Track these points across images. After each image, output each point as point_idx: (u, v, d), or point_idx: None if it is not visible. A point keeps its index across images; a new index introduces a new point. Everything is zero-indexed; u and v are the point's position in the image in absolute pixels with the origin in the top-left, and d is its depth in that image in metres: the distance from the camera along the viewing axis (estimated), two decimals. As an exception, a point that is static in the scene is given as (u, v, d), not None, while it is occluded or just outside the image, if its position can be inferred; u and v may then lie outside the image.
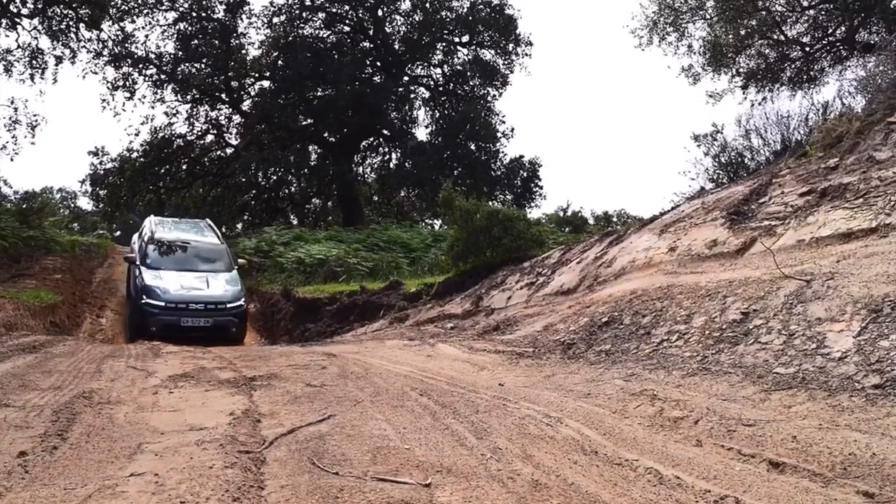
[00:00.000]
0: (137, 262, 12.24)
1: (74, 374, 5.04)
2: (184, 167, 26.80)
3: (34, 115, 19.06)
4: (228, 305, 11.56)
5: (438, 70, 27.21)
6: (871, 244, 4.90)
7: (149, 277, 11.74)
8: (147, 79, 24.36)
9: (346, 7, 25.76)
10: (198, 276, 11.99)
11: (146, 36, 26.01)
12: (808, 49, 16.97)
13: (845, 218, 5.49)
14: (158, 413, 3.80)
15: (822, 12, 16.46)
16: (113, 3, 21.05)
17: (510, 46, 25.59)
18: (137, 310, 11.27)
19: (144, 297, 11.16)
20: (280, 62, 25.01)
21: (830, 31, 16.61)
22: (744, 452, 2.92)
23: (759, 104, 16.04)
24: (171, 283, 11.51)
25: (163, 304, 11.05)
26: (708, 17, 17.32)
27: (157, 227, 13.92)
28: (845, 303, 4.06)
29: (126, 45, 23.13)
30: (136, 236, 14.87)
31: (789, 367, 3.76)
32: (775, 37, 17.07)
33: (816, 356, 3.74)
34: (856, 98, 9.18)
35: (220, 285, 11.88)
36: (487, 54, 26.22)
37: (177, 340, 9.39)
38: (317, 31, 25.79)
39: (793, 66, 17.25)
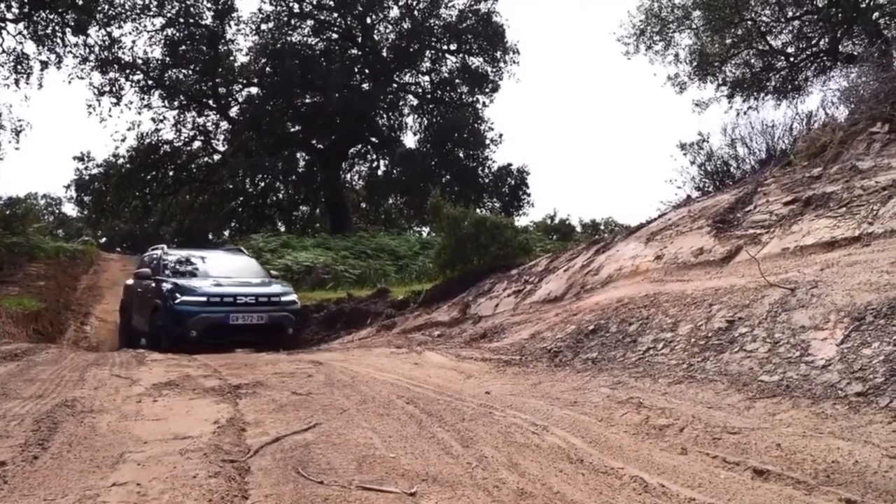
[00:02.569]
0: (153, 276, 10.20)
1: (57, 382, 4.99)
2: (170, 173, 26.71)
3: (19, 121, 18.98)
4: (283, 299, 9.78)
5: (427, 77, 27.31)
6: (854, 253, 4.94)
7: (177, 279, 9.93)
8: (134, 84, 24.32)
9: (335, 14, 25.81)
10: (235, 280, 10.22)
11: (133, 41, 26.07)
12: (792, 59, 17.16)
13: (829, 226, 5.54)
14: (142, 422, 3.77)
15: (806, 23, 16.67)
16: (100, 9, 20.95)
17: (498, 54, 25.72)
18: (169, 315, 9.16)
19: (178, 296, 9.19)
20: (268, 69, 25.00)
21: (814, 41, 16.80)
22: (728, 460, 2.93)
23: (745, 113, 16.21)
24: (205, 282, 9.76)
25: (204, 298, 9.17)
26: (694, 26, 17.48)
27: (171, 252, 11.49)
28: (829, 311, 4.09)
29: (113, 50, 23.06)
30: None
31: (774, 375, 3.78)
32: (760, 47, 17.25)
33: (800, 364, 3.76)
34: (839, 108, 9.29)
35: (265, 284, 10.15)
36: (475, 62, 26.36)
37: (222, 348, 8.47)
38: (305, 38, 25.84)
39: (777, 75, 17.44)
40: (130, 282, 11.60)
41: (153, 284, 9.95)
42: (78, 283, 16.60)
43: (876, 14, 15.01)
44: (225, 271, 10.47)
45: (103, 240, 32.01)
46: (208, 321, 9.03)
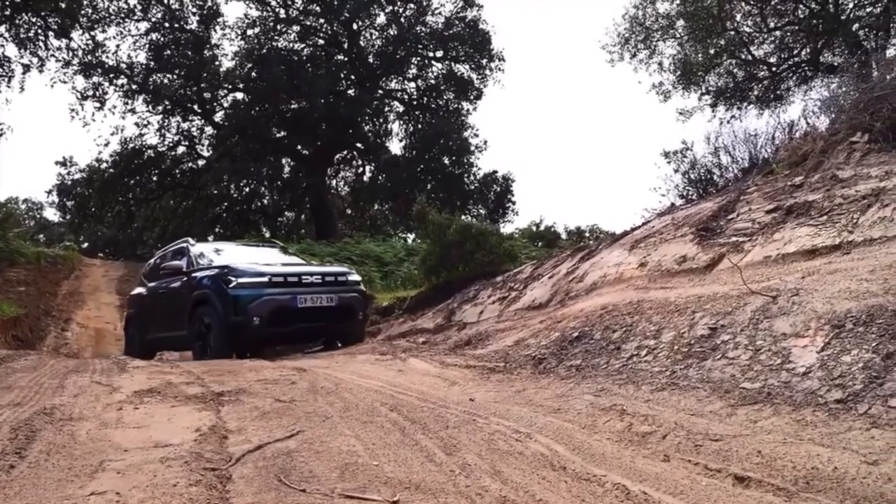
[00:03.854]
0: (186, 270, 9.09)
1: (36, 389, 4.92)
2: (154, 178, 26.52)
3: (0, 124, 18.77)
4: (350, 278, 8.79)
5: (413, 84, 27.36)
6: (835, 261, 5.00)
7: (225, 259, 8.83)
8: (118, 89, 24.17)
9: (321, 20, 25.79)
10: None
11: (117, 46, 25.90)
12: (774, 69, 17.37)
13: (810, 235, 5.59)
14: (122, 429, 3.73)
15: (788, 34, 16.89)
16: (83, 13, 20.82)
17: (484, 61, 25.80)
18: (223, 304, 7.91)
19: (233, 279, 7.96)
20: (254, 74, 24.92)
21: (796, 51, 17.03)
22: (710, 467, 2.94)
23: (728, 122, 16.37)
24: (257, 266, 8.48)
25: (265, 278, 8.01)
26: (678, 35, 17.66)
27: (202, 245, 10.31)
28: (809, 318, 4.12)
29: (96, 54, 22.92)
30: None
31: (755, 382, 3.81)
32: (743, 56, 17.45)
33: (782, 371, 3.79)
34: (820, 118, 9.39)
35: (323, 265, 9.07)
36: (461, 69, 26.42)
37: (287, 340, 8.09)
38: (291, 44, 25.78)
39: (760, 85, 17.64)
40: (138, 290, 10.67)
41: (187, 280, 8.88)
42: (59, 288, 16.44)
43: (856, 26, 15.25)
44: (268, 261, 9.29)
45: (85, 245, 31.70)
46: (274, 304, 7.85)
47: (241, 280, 7.97)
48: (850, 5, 15.57)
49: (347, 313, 8.53)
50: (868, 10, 15.40)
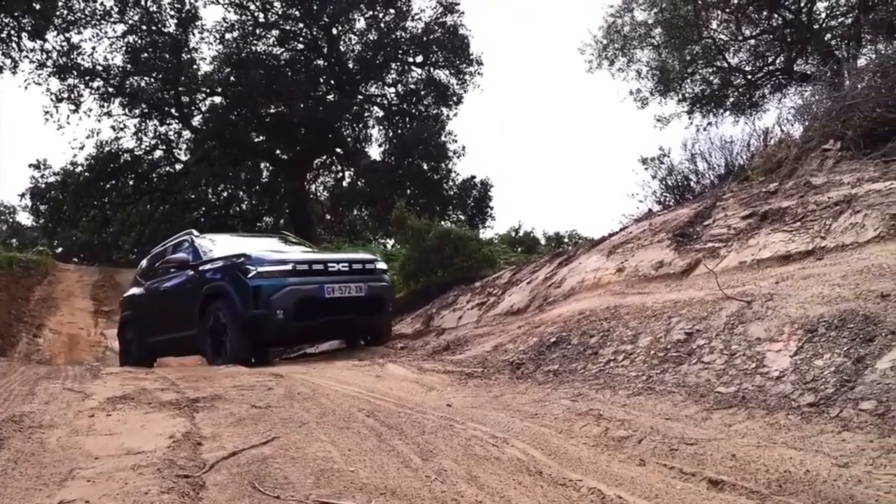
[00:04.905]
0: (193, 263, 8.34)
1: (5, 396, 4.83)
2: (131, 183, 26.23)
3: (-29, 127, 18.49)
4: (377, 266, 8.18)
5: (392, 89, 27.35)
6: (808, 266, 5.07)
7: (238, 248, 8.07)
8: (93, 91, 23.86)
9: (301, 25, 25.71)
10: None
11: (93, 48, 25.70)
12: (749, 77, 17.62)
13: (784, 241, 5.67)
14: (94, 437, 3.66)
15: (763, 42, 17.14)
16: (58, 14, 20.55)
17: (463, 66, 25.87)
18: (242, 296, 7.19)
19: (252, 268, 7.24)
20: (232, 78, 24.76)
21: (770, 60, 17.29)
22: (685, 471, 2.96)
23: (705, 129, 16.54)
24: (276, 255, 7.83)
25: (289, 266, 7.37)
26: (655, 43, 17.84)
27: (209, 236, 9.43)
28: (783, 323, 4.17)
29: (72, 56, 22.61)
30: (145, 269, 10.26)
31: (730, 387, 3.84)
32: (719, 64, 17.68)
33: (756, 375, 3.83)
34: (794, 125, 9.52)
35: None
36: (441, 74, 26.47)
37: (313, 335, 7.69)
38: (270, 48, 25.67)
39: (736, 92, 17.88)
40: (134, 291, 9.99)
41: (194, 273, 8.15)
42: (31, 294, 16.19)
43: (828, 35, 15.51)
44: (285, 249, 8.71)
45: (59, 250, 31.27)
46: (299, 294, 7.16)
47: (261, 269, 7.24)
48: (823, 15, 15.86)
49: (377, 305, 7.93)
50: (840, 20, 15.69)
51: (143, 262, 10.32)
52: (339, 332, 8.43)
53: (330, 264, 7.62)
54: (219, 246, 8.50)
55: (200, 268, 8.08)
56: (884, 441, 2.85)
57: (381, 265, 8.31)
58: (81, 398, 4.79)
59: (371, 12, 25.57)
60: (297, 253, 8.34)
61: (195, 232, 9.22)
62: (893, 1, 14.13)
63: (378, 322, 8.11)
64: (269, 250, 8.09)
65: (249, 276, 7.20)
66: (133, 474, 2.93)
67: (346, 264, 7.76)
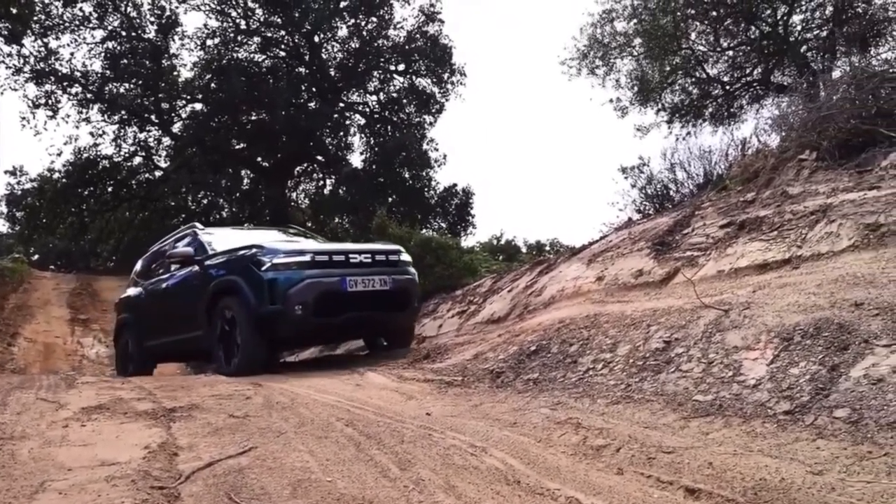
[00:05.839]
0: (197, 258, 7.74)
1: (-23, 407, 4.74)
2: (109, 189, 25.92)
3: (-54, 132, 18.22)
4: (402, 257, 7.58)
5: (374, 97, 27.35)
6: (785, 275, 5.12)
7: (248, 239, 7.52)
8: (72, 97, 23.57)
9: (283, 32, 25.64)
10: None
11: (72, 53, 25.50)
12: (728, 87, 17.82)
13: (761, 249, 5.73)
14: (67, 448, 3.61)
15: (740, 53, 17.34)
16: (36, 18, 20.33)
17: (445, 75, 25.94)
18: (256, 292, 6.62)
19: (266, 260, 6.69)
20: (213, 85, 24.62)
21: (748, 71, 17.50)
22: (662, 480, 2.97)
23: (684, 138, 16.71)
24: (290, 246, 7.20)
25: (307, 258, 6.80)
26: (635, 53, 18.00)
27: (214, 230, 8.93)
28: (760, 331, 4.21)
29: (49, 61, 22.35)
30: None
31: (707, 395, 3.86)
32: (698, 75, 17.87)
33: (733, 383, 3.86)
34: (771, 136, 9.65)
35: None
36: (423, 83, 26.51)
37: (334, 334, 7.19)
38: (252, 55, 25.57)
39: (714, 103, 18.07)
40: (131, 292, 9.41)
41: (200, 269, 7.57)
42: (6, 302, 15.94)
43: (804, 48, 15.75)
44: (298, 242, 8.10)
45: (36, 257, 30.84)
46: (320, 288, 6.60)
47: (276, 260, 6.67)
48: (799, 28, 16.10)
49: (404, 300, 7.30)
50: (815, 32, 15.93)
51: (140, 262, 9.85)
52: (361, 331, 7.91)
53: (351, 255, 7.06)
54: (224, 239, 7.97)
55: (206, 263, 7.54)
56: (857, 448, 2.88)
57: (406, 256, 7.73)
58: (55, 408, 4.72)
59: (353, 20, 25.59)
60: (313, 243, 7.85)
61: (199, 225, 8.77)
62: (866, 15, 14.38)
63: (404, 319, 7.57)
64: (281, 241, 7.63)
65: (263, 268, 6.67)
66: (106, 486, 2.89)
67: (369, 255, 7.19)
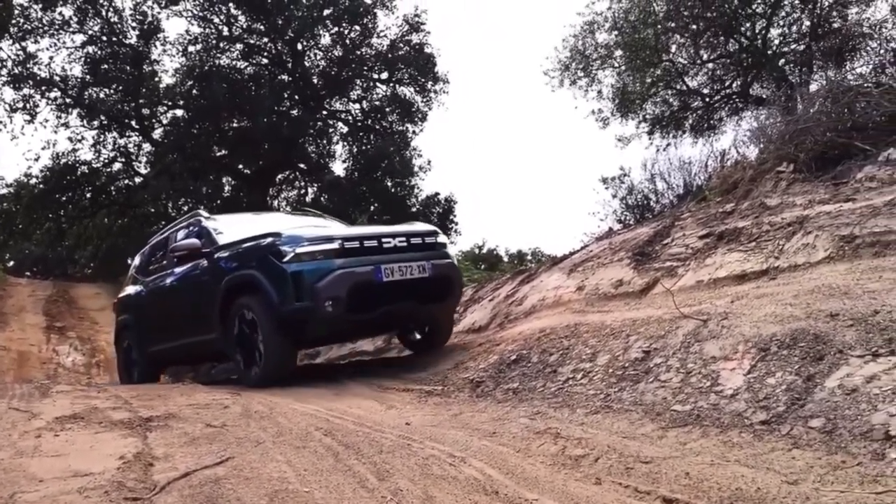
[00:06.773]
0: (205, 249, 6.93)
1: (-53, 416, 4.66)
2: (88, 195, 25.58)
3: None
4: (439, 240, 6.74)
5: (357, 105, 27.27)
6: (762, 286, 5.18)
7: (264, 226, 6.70)
8: (50, 102, 23.25)
9: (265, 39, 25.55)
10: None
11: (51, 58, 25.04)
12: (707, 100, 18.05)
13: (740, 260, 5.79)
14: (39, 458, 3.55)
15: (720, 66, 17.59)
16: (14, 22, 20.11)
17: (428, 84, 25.97)
18: (277, 286, 5.82)
19: (288, 249, 5.88)
20: (195, 91, 24.43)
21: (727, 83, 17.74)
22: (640, 489, 2.98)
23: (664, 149, 16.89)
24: (314, 232, 6.31)
25: (336, 245, 5.94)
26: (617, 65, 18.17)
27: (222, 217, 7.92)
28: (737, 342, 4.24)
29: (28, 65, 22.08)
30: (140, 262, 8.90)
31: (686, 405, 3.89)
32: (678, 87, 18.08)
33: (711, 394, 3.88)
34: (750, 147, 9.79)
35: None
36: (406, 91, 26.52)
37: (368, 331, 6.68)
38: (234, 62, 25.41)
39: (694, 114, 18.30)
40: (132, 290, 8.55)
41: (209, 263, 6.79)
42: (-20, 309, 15.69)
43: (782, 61, 16.01)
44: (321, 226, 7.23)
45: (11, 263, 30.35)
46: (352, 279, 5.79)
47: (299, 249, 5.84)
48: (777, 42, 16.37)
49: (445, 288, 6.49)
50: (793, 46, 16.21)
51: (137, 258, 9.03)
52: (397, 326, 7.19)
53: (384, 239, 6.18)
54: (234, 227, 7.11)
55: (217, 255, 6.73)
56: (831, 458, 2.91)
57: (443, 238, 6.86)
58: (28, 418, 4.64)
59: (337, 28, 25.56)
60: (340, 227, 7.13)
61: (204, 212, 7.90)
62: (842, 30, 14.65)
63: (444, 311, 6.79)
64: (302, 227, 6.68)
65: (285, 259, 5.84)
66: (79, 497, 2.84)
67: (404, 238, 6.32)
